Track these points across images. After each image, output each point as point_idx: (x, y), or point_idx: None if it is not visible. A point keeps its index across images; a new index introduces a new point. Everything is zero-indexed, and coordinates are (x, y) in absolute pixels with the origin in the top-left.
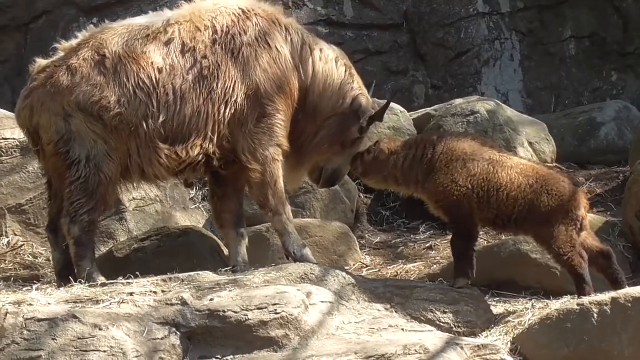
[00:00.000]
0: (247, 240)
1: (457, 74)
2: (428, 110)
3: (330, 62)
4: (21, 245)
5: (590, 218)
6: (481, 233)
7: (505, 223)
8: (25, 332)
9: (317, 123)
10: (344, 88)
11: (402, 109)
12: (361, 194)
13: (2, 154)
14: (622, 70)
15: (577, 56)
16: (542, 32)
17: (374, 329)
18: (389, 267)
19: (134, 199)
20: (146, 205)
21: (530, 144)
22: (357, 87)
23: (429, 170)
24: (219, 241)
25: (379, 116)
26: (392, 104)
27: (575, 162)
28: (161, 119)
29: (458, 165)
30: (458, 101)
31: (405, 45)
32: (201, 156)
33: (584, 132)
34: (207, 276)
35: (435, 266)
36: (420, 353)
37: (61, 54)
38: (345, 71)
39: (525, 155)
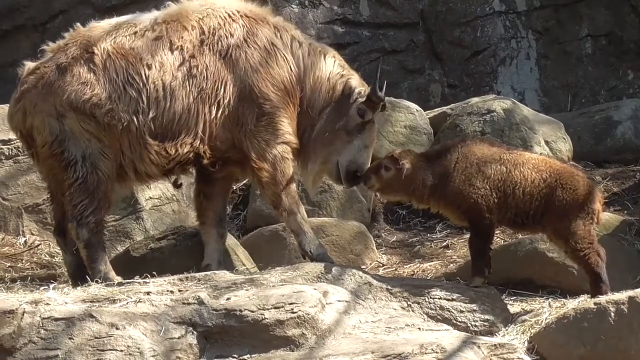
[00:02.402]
0: (225, 242)
1: (474, 73)
2: (444, 109)
3: (319, 55)
4: (38, 245)
5: (607, 217)
6: (498, 232)
7: (524, 221)
8: (43, 331)
9: (312, 117)
10: (333, 78)
11: (419, 108)
12: (378, 193)
13: (19, 153)
14: (639, 69)
15: (594, 55)
16: (558, 31)
17: (390, 328)
18: (405, 266)
19: (150, 198)
20: (163, 204)
21: (547, 142)
22: (347, 74)
23: (449, 179)
24: (235, 240)
25: (373, 92)
26: (409, 103)
27: (591, 161)
28: (151, 115)
29: (473, 170)
30: (474, 100)
31: (421, 44)
32: (191, 154)
33: (600, 131)
34: (224, 275)
35: (452, 265)
36: (437, 352)
37: (49, 55)
38: (335, 62)
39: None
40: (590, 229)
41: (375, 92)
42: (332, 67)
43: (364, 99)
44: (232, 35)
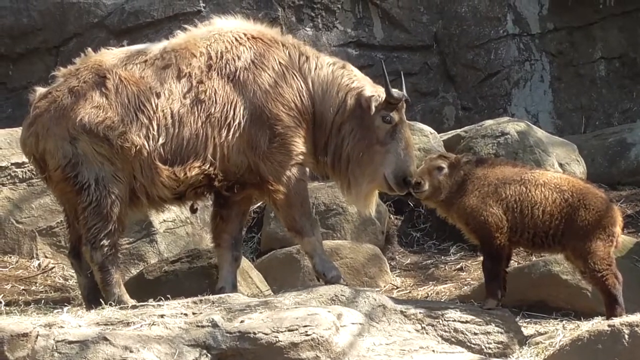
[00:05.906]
0: (240, 264)
1: (487, 95)
2: (458, 131)
3: (327, 67)
4: (52, 268)
5: (621, 239)
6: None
7: (543, 240)
8: (56, 354)
9: (326, 131)
10: (342, 91)
11: (432, 130)
12: (391, 216)
13: (33, 176)
14: None
15: (607, 77)
16: (572, 53)
17: (404, 350)
18: (419, 289)
19: (164, 220)
20: (177, 227)
21: (561, 164)
22: (356, 85)
23: (464, 190)
24: (249, 262)
25: (388, 94)
26: (423, 125)
27: (605, 182)
28: (161, 141)
29: (490, 189)
30: (488, 122)
31: (435, 67)
32: (201, 177)
33: (614, 152)
34: (238, 298)
35: (465, 287)
36: None
37: (60, 79)
38: (343, 74)
39: None
40: (610, 251)
41: (390, 94)
42: (340, 79)
43: (383, 105)
44: (239, 58)
